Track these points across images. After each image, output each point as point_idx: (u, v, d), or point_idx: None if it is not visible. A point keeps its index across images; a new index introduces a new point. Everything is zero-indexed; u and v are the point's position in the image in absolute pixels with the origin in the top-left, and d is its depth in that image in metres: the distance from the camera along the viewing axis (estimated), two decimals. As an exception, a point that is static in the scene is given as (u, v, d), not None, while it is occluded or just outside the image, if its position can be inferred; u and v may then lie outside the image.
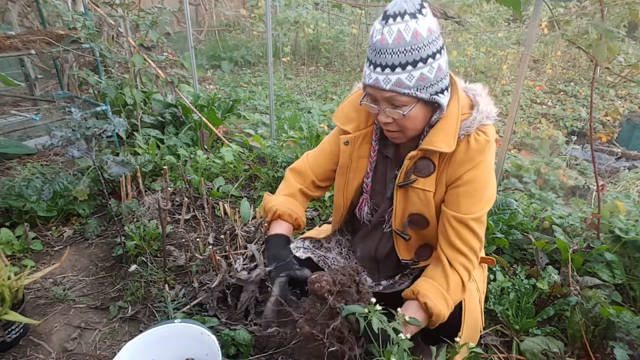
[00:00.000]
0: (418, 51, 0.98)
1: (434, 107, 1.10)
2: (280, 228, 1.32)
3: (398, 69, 0.99)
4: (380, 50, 0.99)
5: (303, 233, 1.56)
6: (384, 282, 1.46)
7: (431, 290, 1.13)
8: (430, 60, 1.00)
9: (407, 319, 1.06)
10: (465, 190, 1.12)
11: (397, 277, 1.44)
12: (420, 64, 0.99)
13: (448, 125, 1.09)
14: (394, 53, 0.98)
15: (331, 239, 1.56)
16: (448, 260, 1.16)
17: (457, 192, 1.13)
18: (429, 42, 0.99)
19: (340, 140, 1.30)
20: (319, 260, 1.51)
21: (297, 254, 1.48)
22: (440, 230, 1.19)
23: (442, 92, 1.06)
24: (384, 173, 1.30)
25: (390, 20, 0.97)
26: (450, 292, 1.14)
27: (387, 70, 1.00)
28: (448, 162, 1.14)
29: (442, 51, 1.03)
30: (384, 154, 1.29)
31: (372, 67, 1.03)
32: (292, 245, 1.49)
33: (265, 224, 1.39)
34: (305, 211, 1.43)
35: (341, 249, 1.57)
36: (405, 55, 0.98)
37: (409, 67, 0.99)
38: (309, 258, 1.49)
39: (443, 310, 1.11)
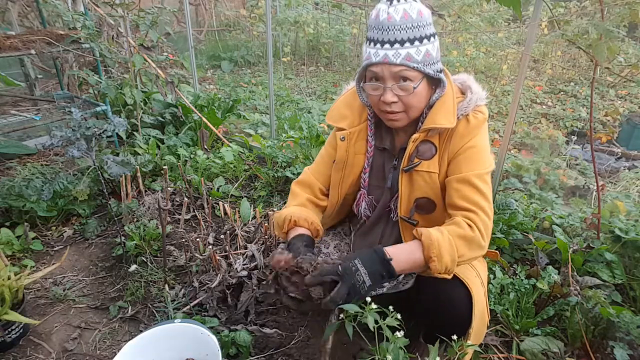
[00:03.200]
0: (423, 28, 1.07)
1: (433, 87, 1.16)
2: (299, 232, 1.28)
3: (407, 44, 1.06)
4: (388, 28, 1.06)
5: (321, 237, 1.50)
6: (386, 283, 1.45)
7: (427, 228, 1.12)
8: (432, 39, 1.09)
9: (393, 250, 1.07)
10: (465, 157, 1.15)
11: (400, 277, 1.43)
12: (425, 41, 1.08)
13: (446, 103, 1.15)
14: (402, 29, 1.05)
15: (329, 244, 1.55)
16: (450, 218, 1.15)
17: (458, 160, 1.16)
18: (429, 23, 1.09)
19: (337, 137, 1.31)
20: None
21: None
22: (447, 203, 1.19)
23: (440, 72, 1.14)
24: (381, 166, 1.31)
25: (395, 1, 1.06)
26: (451, 234, 1.08)
27: (397, 45, 1.06)
28: (449, 140, 1.17)
29: (436, 35, 1.13)
30: (381, 147, 1.31)
31: (378, 45, 1.08)
32: None
33: (283, 236, 1.34)
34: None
35: (341, 254, 1.56)
36: (412, 31, 1.06)
37: (417, 43, 1.06)
38: None
39: (439, 240, 1.05)
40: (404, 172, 1.21)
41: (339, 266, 1.02)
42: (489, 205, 1.14)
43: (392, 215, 1.32)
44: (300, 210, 1.32)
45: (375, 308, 0.98)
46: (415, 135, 1.18)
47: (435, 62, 1.12)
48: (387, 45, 1.07)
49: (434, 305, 1.23)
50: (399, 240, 1.32)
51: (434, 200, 1.21)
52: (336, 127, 1.34)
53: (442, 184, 1.20)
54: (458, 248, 1.07)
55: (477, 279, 1.27)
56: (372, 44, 1.10)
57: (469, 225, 1.10)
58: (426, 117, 1.17)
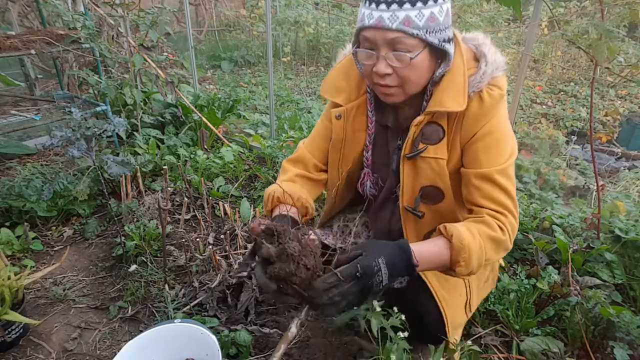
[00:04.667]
0: None
1: (437, 60, 0.99)
2: (283, 210, 1.11)
3: (407, 5, 0.88)
4: None
5: (313, 221, 1.39)
6: None
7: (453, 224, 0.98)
8: (440, 0, 0.91)
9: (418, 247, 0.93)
10: (483, 145, 1.00)
11: None
12: (430, 2, 0.90)
13: (455, 81, 0.97)
14: None
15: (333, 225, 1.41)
16: (476, 214, 1.02)
17: (475, 149, 1.00)
18: None
19: (332, 115, 1.16)
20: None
21: None
22: (464, 198, 1.06)
23: (448, 41, 0.96)
24: (385, 145, 1.17)
25: None
26: (482, 236, 0.95)
27: (394, 6, 0.89)
28: (460, 123, 1.01)
29: None
30: (383, 124, 1.16)
31: (373, 4, 0.91)
32: None
33: (269, 214, 1.17)
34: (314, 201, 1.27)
35: (346, 237, 1.48)
36: None
37: (419, 4, 0.89)
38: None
39: (470, 244, 0.92)
40: (407, 159, 1.06)
41: (358, 266, 0.83)
42: (514, 204, 1.02)
43: (398, 202, 1.18)
44: (286, 186, 1.16)
45: (379, 310, 0.97)
46: (418, 119, 1.02)
47: (442, 30, 0.93)
48: (382, 6, 0.89)
49: (409, 314, 1.14)
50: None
51: (441, 188, 1.06)
52: (331, 101, 1.19)
53: (452, 172, 1.05)
54: (486, 251, 0.96)
55: (460, 298, 1.19)
56: (367, 2, 0.93)
57: (500, 228, 0.98)
58: (431, 96, 1.01)
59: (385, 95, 1.02)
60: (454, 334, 1.20)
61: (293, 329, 0.91)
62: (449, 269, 0.96)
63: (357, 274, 0.82)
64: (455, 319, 1.17)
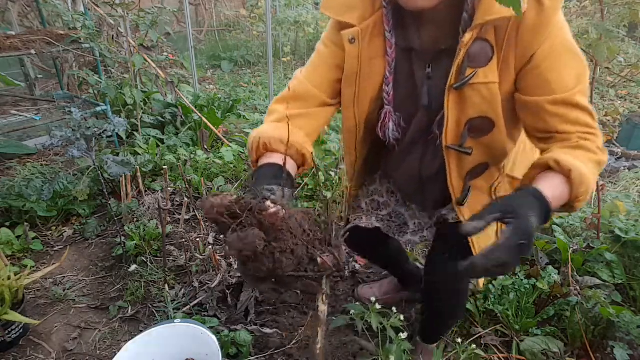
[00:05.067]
0: None
1: None
2: (270, 160, 0.90)
3: None
4: None
5: (311, 171, 1.18)
6: (426, 232, 1.29)
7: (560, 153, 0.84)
8: None
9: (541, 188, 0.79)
10: (551, 64, 0.83)
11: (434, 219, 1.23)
12: None
13: None
14: None
15: (380, 191, 1.29)
16: (564, 143, 0.87)
17: (540, 71, 0.83)
18: None
19: (344, 38, 0.95)
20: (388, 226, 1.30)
21: (361, 224, 1.28)
22: (533, 127, 0.91)
23: None
24: (409, 74, 0.97)
25: None
26: (587, 161, 0.84)
27: None
28: (513, 37, 0.83)
29: None
30: (405, 47, 0.95)
31: None
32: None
33: (255, 166, 0.93)
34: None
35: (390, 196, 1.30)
36: None
37: None
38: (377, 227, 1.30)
39: (586, 175, 0.80)
40: (454, 89, 0.88)
41: (515, 238, 0.68)
42: (595, 121, 0.88)
43: (438, 141, 1.00)
44: (274, 128, 0.93)
45: (379, 308, 0.98)
46: (467, 36, 0.82)
47: None
48: None
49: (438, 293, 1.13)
50: (442, 171, 1.02)
51: (492, 118, 0.91)
52: (338, 21, 0.96)
53: (504, 96, 0.89)
54: (594, 178, 0.85)
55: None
56: None
57: (599, 149, 0.86)
58: (475, 4, 0.82)
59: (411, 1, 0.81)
60: None
61: (321, 306, 0.70)
62: (566, 206, 0.83)
63: (521, 242, 0.68)
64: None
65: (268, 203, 0.63)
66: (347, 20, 0.93)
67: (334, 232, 0.67)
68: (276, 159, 0.88)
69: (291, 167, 0.92)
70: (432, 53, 0.92)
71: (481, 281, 1.09)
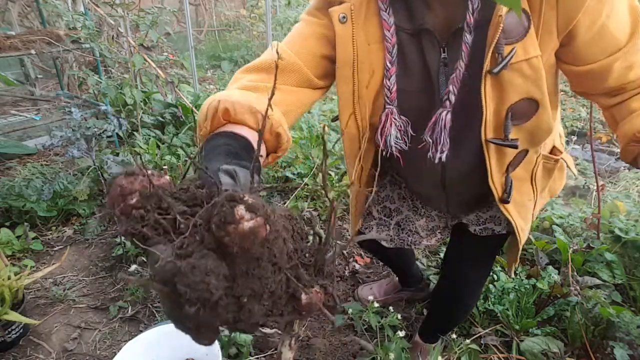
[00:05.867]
0: None
1: None
2: (231, 130, 0.60)
3: None
4: None
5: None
6: (438, 234, 1.21)
7: None
8: None
9: None
10: (604, 22, 0.69)
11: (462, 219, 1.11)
12: None
13: None
14: None
15: (392, 198, 1.17)
16: (636, 89, 0.76)
17: (592, 36, 0.70)
18: None
19: (333, 17, 0.77)
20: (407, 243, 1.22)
21: (377, 238, 1.20)
22: (601, 90, 0.79)
23: None
24: (418, 60, 0.80)
25: None
26: None
27: None
28: None
29: None
30: (413, 30, 0.78)
31: None
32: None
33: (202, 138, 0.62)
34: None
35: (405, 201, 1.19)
36: None
37: None
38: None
39: None
40: (492, 75, 0.73)
41: None
42: None
43: (429, 154, 0.82)
44: (240, 94, 0.66)
45: (377, 307, 0.98)
46: (503, 8, 0.67)
47: None
48: None
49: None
50: (471, 170, 0.88)
51: (537, 99, 0.76)
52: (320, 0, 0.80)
53: (549, 68, 0.76)
54: None
55: (529, 216, 1.01)
56: None
57: None
58: None
59: None
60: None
61: (286, 354, 0.49)
62: None
63: None
64: (524, 238, 1.01)
65: (240, 211, 0.33)
66: None
67: (329, 253, 0.44)
68: (243, 131, 0.60)
69: (262, 149, 0.64)
70: (447, 32, 0.75)
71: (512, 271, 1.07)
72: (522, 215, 0.96)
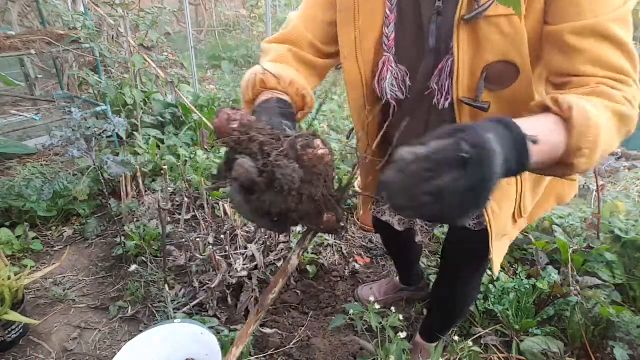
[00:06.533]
0: None
1: None
2: (269, 96, 0.76)
3: None
4: None
5: (310, 112, 0.89)
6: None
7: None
8: None
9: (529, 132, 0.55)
10: None
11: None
12: None
13: None
14: None
15: None
16: (580, 88, 0.67)
17: None
18: None
19: None
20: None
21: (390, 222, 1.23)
22: (551, 69, 0.72)
23: None
24: (415, 12, 0.80)
25: None
26: (604, 108, 0.63)
27: None
28: None
29: None
30: None
31: None
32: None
33: (248, 107, 0.80)
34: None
35: None
36: None
37: None
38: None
39: (598, 121, 0.59)
40: (464, 22, 0.71)
41: (463, 142, 0.46)
42: (634, 65, 0.67)
43: (435, 100, 0.82)
44: (272, 65, 0.81)
45: (378, 308, 0.98)
46: None
47: None
48: None
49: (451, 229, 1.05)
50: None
51: (517, 63, 0.72)
52: None
53: (531, 34, 0.71)
54: (612, 135, 0.63)
55: (510, 204, 0.94)
56: None
57: (627, 100, 0.65)
58: None
59: None
60: (499, 248, 1.01)
61: (294, 260, 0.64)
62: (560, 163, 0.61)
63: (463, 154, 0.45)
64: (500, 228, 0.95)
65: (318, 142, 0.51)
66: None
67: (345, 193, 0.59)
68: (275, 96, 0.75)
69: (287, 102, 0.77)
70: None
71: (497, 268, 1.02)
72: (495, 197, 0.90)
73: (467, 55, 0.74)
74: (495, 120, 0.54)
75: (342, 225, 0.59)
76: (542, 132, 0.56)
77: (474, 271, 1.24)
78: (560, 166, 0.61)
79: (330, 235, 2.19)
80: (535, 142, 0.54)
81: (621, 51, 0.66)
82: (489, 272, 1.80)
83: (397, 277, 1.83)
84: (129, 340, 1.23)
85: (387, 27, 0.82)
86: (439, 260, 1.34)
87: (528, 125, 0.56)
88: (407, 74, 0.85)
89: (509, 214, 0.96)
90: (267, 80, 0.76)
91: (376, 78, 0.87)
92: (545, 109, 0.63)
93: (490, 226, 0.92)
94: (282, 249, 1.94)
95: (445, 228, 1.33)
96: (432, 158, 0.46)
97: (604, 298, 1.58)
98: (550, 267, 1.79)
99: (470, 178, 0.46)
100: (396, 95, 0.87)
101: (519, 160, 0.53)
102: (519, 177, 0.84)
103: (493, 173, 0.47)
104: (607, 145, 0.62)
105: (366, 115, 0.93)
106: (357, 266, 2.02)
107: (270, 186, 0.50)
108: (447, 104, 0.81)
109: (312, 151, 0.51)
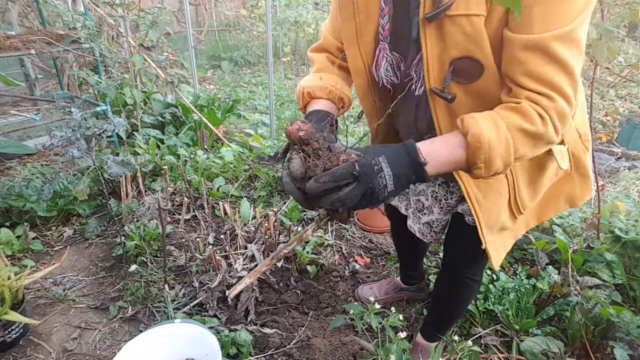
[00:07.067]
0: None
1: None
2: (315, 106, 0.98)
3: None
4: None
5: (349, 107, 1.11)
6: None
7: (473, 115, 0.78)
8: None
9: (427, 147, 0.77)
10: (532, 3, 0.69)
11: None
12: None
13: None
14: None
15: None
16: (512, 96, 0.78)
17: (527, 2, 0.70)
18: None
19: None
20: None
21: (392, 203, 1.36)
22: (503, 72, 0.79)
23: None
24: (405, 5, 0.88)
25: None
26: (510, 129, 0.75)
27: None
28: None
29: None
30: None
31: None
32: None
33: (304, 112, 1.03)
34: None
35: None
36: None
37: None
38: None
39: (491, 141, 0.73)
40: (428, 21, 0.79)
41: (356, 164, 0.71)
42: (571, 81, 0.73)
43: (413, 85, 0.92)
44: (315, 78, 1.01)
45: (378, 308, 0.98)
46: None
47: None
48: None
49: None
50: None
51: (480, 60, 0.79)
52: None
53: (494, 34, 0.77)
54: (517, 148, 0.76)
55: (500, 197, 1.01)
56: None
57: (540, 117, 0.74)
58: None
59: None
60: (495, 241, 1.06)
61: (309, 231, 0.84)
62: (466, 169, 0.79)
63: (354, 173, 0.70)
64: (491, 219, 1.01)
65: (337, 145, 0.79)
66: None
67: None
68: (321, 104, 0.98)
69: (333, 108, 1.00)
70: None
71: (495, 261, 1.06)
72: (480, 187, 0.99)
73: (435, 49, 0.82)
74: (402, 145, 0.76)
75: (351, 219, 0.76)
76: (442, 151, 0.77)
77: (471, 264, 1.26)
78: (466, 170, 0.80)
79: (331, 234, 2.20)
80: (425, 164, 0.75)
81: (559, 67, 0.72)
82: (489, 272, 1.80)
83: (398, 277, 1.83)
84: (129, 340, 1.24)
85: (382, 19, 0.90)
86: (443, 253, 1.36)
87: (435, 145, 0.78)
88: (402, 61, 0.93)
89: (500, 205, 1.01)
90: (311, 92, 1.00)
91: (374, 65, 0.97)
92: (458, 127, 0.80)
93: (476, 214, 0.99)
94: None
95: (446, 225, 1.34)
96: (336, 174, 0.70)
97: (604, 298, 1.58)
98: (550, 267, 1.79)
99: (360, 188, 0.71)
100: (391, 80, 0.97)
101: (417, 174, 0.76)
102: (508, 170, 0.89)
103: (377, 184, 0.72)
104: (508, 158, 0.76)
105: (374, 99, 1.04)
106: (357, 266, 2.02)
107: (307, 180, 0.74)
108: (421, 90, 0.91)
109: (336, 155, 0.76)
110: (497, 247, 1.07)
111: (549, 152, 0.95)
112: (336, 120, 0.97)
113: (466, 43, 0.78)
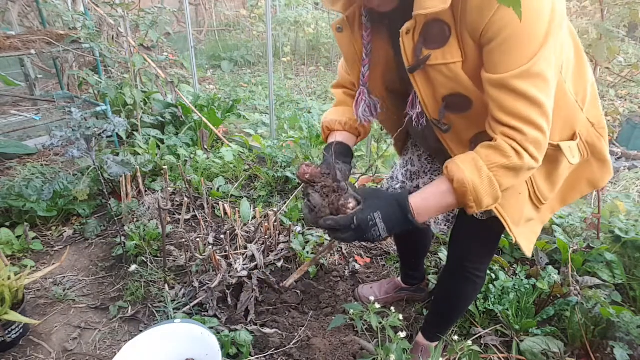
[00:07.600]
0: None
1: None
2: (333, 138, 1.17)
3: None
4: None
5: (367, 136, 1.30)
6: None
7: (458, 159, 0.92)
8: None
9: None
10: (498, 43, 0.80)
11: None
12: None
13: None
14: None
15: (413, 160, 1.40)
16: (492, 133, 0.90)
17: (490, 49, 0.81)
18: None
19: (333, 29, 1.06)
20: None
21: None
22: (487, 108, 0.91)
23: None
24: (384, 55, 1.05)
25: None
26: (491, 168, 0.88)
27: None
28: (463, 15, 0.82)
29: None
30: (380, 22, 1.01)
31: None
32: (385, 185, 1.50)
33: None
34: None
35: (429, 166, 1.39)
36: None
37: None
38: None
39: (475, 184, 0.87)
40: (410, 72, 0.92)
41: (354, 219, 0.89)
42: (541, 111, 0.83)
43: (416, 122, 1.04)
44: (334, 112, 1.20)
45: (378, 308, 0.98)
46: (407, 26, 0.86)
47: None
48: None
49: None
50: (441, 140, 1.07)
51: (467, 95, 0.91)
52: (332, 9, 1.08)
53: (474, 73, 0.88)
54: (501, 183, 0.88)
55: (519, 196, 1.07)
56: None
57: (516, 151, 0.85)
58: None
59: (373, 4, 0.90)
60: (523, 233, 1.11)
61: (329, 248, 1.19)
62: (459, 208, 0.92)
63: (352, 225, 0.89)
64: (516, 217, 1.07)
65: (350, 204, 0.94)
66: (336, 9, 1.00)
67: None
68: (339, 136, 1.17)
69: (350, 139, 1.18)
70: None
71: (527, 249, 1.11)
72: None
73: (426, 90, 0.95)
74: (395, 202, 0.93)
75: (331, 235, 0.96)
76: (435, 199, 0.94)
77: (478, 259, 1.27)
78: (460, 208, 1.00)
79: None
80: (414, 220, 0.92)
81: (526, 101, 0.82)
82: (489, 272, 1.80)
83: (398, 277, 1.83)
84: (129, 340, 1.24)
85: (364, 67, 1.06)
86: (448, 245, 1.35)
87: (426, 194, 0.95)
88: (378, 103, 1.11)
89: (522, 202, 1.06)
90: (329, 126, 1.19)
91: (354, 103, 1.12)
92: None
93: (503, 217, 1.05)
94: (282, 249, 1.94)
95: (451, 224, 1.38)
96: (340, 223, 0.91)
97: (604, 298, 1.59)
98: (550, 267, 1.79)
99: (356, 236, 0.92)
100: (368, 120, 1.14)
101: (409, 224, 0.93)
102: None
103: (371, 235, 0.91)
104: (494, 192, 0.89)
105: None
106: (357, 266, 2.02)
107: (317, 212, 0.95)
108: (423, 122, 1.03)
109: (344, 209, 0.93)
110: (527, 236, 1.11)
111: (559, 149, 0.99)
112: (352, 151, 1.17)
113: (451, 84, 0.90)
